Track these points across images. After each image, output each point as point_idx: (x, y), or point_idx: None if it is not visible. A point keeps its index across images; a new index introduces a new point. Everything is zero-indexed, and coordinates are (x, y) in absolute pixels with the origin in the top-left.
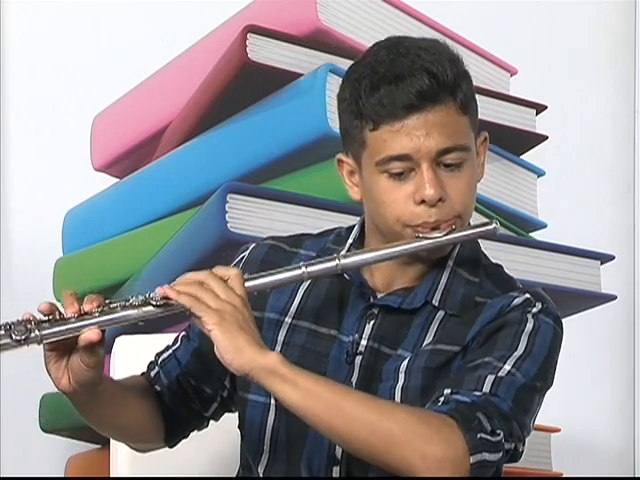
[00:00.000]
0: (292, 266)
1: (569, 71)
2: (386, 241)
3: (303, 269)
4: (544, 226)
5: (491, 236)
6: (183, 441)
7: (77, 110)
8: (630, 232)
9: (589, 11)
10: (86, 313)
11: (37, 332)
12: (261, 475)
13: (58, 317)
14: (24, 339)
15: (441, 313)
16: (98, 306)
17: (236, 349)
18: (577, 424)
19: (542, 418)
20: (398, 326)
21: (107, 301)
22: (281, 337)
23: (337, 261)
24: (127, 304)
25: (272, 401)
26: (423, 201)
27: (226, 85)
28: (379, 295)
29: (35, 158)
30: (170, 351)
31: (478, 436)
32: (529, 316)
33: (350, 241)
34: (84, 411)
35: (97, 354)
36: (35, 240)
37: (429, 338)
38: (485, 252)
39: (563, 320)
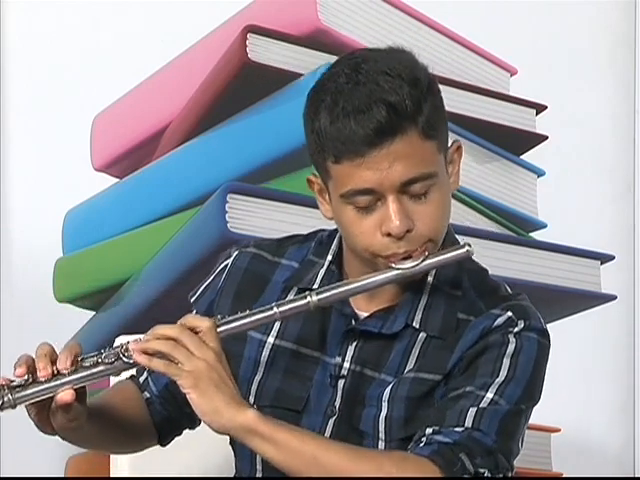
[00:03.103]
0: (265, 307)
1: (569, 71)
2: (361, 263)
3: (275, 309)
4: (544, 226)
5: (465, 259)
6: (182, 440)
7: (77, 110)
8: (630, 232)
9: (589, 11)
10: (59, 372)
11: (10, 396)
12: None
13: (31, 379)
14: None
15: (423, 335)
16: (72, 364)
17: (214, 411)
18: (577, 424)
19: (542, 418)
20: (380, 349)
21: (79, 358)
22: (264, 358)
23: (309, 298)
24: (100, 360)
25: None
26: (390, 234)
27: (226, 85)
28: (360, 314)
29: (35, 158)
30: None
31: None
32: (510, 337)
33: (329, 258)
34: (75, 444)
35: (75, 409)
36: (35, 240)
37: (411, 364)
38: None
39: (563, 320)
